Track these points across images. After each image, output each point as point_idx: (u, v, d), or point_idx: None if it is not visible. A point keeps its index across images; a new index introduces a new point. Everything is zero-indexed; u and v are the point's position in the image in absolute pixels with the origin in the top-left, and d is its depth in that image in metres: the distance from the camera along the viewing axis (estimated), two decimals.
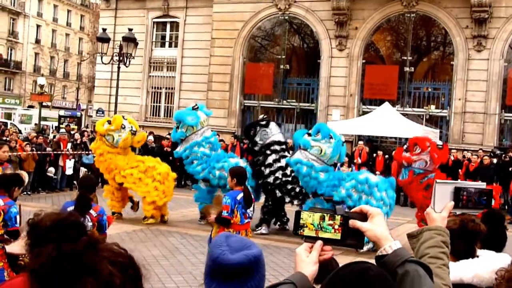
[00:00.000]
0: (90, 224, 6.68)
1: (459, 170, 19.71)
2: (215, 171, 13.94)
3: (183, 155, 14.27)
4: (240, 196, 7.69)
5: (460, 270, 3.38)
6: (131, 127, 14.42)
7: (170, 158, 18.58)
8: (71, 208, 6.67)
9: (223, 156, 14.43)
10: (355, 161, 20.98)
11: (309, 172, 12.70)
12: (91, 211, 6.70)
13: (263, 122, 14.42)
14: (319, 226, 1.87)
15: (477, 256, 3.54)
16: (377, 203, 11.92)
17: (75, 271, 1.29)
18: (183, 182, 21.39)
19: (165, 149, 21.76)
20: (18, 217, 6.26)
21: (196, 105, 14.65)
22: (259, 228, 13.68)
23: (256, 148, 14.17)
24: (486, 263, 3.41)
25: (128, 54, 22.46)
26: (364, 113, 24.94)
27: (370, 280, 1.56)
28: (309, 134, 12.99)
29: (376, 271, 1.59)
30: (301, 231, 1.89)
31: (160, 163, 14.67)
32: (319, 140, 12.78)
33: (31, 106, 55.14)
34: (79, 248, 1.33)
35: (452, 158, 20.95)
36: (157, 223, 14.05)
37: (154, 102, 31.31)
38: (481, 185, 2.32)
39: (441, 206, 2.25)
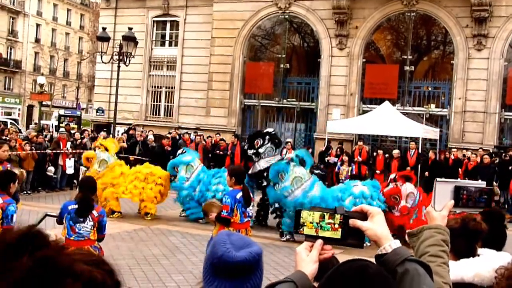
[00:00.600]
0: (91, 223, 6.69)
1: (459, 169, 19.71)
2: (212, 187, 14.32)
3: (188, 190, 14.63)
4: (239, 195, 7.71)
5: (461, 269, 3.38)
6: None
7: (171, 157, 18.63)
8: (72, 207, 6.70)
9: (213, 175, 14.73)
10: (355, 159, 20.99)
11: (303, 198, 12.65)
12: (93, 211, 6.73)
13: (276, 140, 14.36)
14: (318, 224, 1.88)
15: (478, 255, 3.55)
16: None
17: (53, 276, 1.28)
18: None
19: (165, 147, 21.78)
20: (14, 215, 6.29)
21: (184, 150, 15.49)
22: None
23: (256, 159, 14.13)
24: (487, 262, 3.41)
25: (128, 53, 22.43)
26: (364, 112, 24.93)
27: (369, 277, 1.56)
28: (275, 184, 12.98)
29: (375, 268, 1.60)
30: (301, 229, 1.89)
31: (153, 168, 15.07)
32: (288, 177, 12.72)
33: (31, 106, 55.20)
34: (52, 254, 1.32)
35: (452, 157, 20.97)
36: (158, 222, 14.09)
37: (154, 101, 31.30)
38: (481, 184, 2.32)
39: (441, 204, 2.25)
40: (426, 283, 1.76)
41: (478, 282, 3.39)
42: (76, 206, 6.69)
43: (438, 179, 2.29)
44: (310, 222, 1.88)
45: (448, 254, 2.17)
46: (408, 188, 13.00)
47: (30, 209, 12.71)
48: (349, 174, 19.63)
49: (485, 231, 3.53)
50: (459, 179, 2.96)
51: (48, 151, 18.58)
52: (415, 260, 1.81)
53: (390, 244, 1.85)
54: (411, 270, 1.77)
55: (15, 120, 40.72)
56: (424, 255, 2.12)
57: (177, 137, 24.09)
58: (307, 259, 1.84)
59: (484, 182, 2.42)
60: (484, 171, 18.55)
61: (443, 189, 2.26)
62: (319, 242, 1.87)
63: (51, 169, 18.55)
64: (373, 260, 1.80)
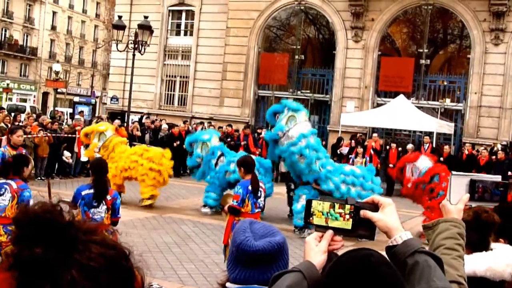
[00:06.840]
0: (105, 207, 6.71)
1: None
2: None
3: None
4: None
5: (474, 262, 3.36)
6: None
7: (183, 146, 18.69)
8: (86, 192, 6.70)
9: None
10: (371, 152, 20.79)
11: (302, 149, 12.47)
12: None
13: None
14: (328, 214, 1.86)
15: (491, 249, 3.52)
16: (367, 193, 11.81)
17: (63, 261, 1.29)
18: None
19: (175, 137, 21.68)
20: (31, 200, 6.31)
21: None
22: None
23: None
24: (500, 257, 3.38)
25: (143, 42, 22.46)
26: (379, 105, 24.79)
27: (372, 266, 1.54)
28: (272, 126, 12.99)
29: (378, 256, 1.58)
30: (311, 219, 1.89)
31: (151, 149, 15.32)
32: (282, 117, 12.66)
33: (46, 93, 55.52)
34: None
35: (466, 152, 20.80)
36: (170, 211, 14.13)
37: (168, 91, 31.34)
38: (497, 177, 2.30)
39: (457, 198, 2.23)
40: (437, 275, 1.74)
41: (490, 276, 3.37)
42: (91, 191, 6.69)
43: (453, 172, 2.27)
44: (320, 211, 1.87)
45: (464, 248, 2.15)
46: (422, 162, 13.39)
47: (43, 195, 12.79)
48: (365, 165, 19.46)
49: (498, 223, 3.51)
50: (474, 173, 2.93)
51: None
52: (425, 252, 1.80)
53: (401, 235, 1.84)
54: (421, 262, 1.76)
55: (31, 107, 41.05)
56: (439, 248, 2.11)
57: (189, 128, 24.08)
58: (316, 249, 1.83)
59: (500, 176, 2.39)
60: (498, 167, 18.41)
61: (459, 182, 2.24)
62: (329, 232, 1.86)
63: (67, 154, 18.63)
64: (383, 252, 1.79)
